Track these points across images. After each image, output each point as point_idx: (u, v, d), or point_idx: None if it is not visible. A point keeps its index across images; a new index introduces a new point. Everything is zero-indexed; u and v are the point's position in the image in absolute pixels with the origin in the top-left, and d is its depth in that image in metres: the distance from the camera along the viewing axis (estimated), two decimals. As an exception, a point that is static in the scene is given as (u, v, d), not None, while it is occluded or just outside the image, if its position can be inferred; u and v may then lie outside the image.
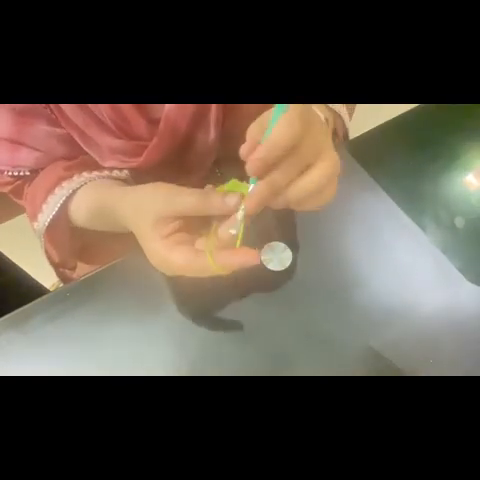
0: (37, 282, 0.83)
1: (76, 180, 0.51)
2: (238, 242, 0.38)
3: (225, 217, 0.37)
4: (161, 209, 0.38)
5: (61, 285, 0.68)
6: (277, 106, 0.33)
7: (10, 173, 0.53)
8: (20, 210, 0.57)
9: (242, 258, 0.37)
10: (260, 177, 0.34)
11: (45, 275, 0.68)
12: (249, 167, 0.33)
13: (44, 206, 0.52)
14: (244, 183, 0.37)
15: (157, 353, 0.48)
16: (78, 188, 0.51)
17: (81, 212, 0.52)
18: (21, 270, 0.80)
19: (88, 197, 0.51)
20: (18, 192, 0.56)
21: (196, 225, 0.39)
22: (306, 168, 0.34)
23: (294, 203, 0.36)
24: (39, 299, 0.51)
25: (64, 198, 0.51)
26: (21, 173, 0.54)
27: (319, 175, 0.34)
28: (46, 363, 0.48)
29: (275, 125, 0.33)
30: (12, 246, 0.81)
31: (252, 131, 0.35)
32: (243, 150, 0.34)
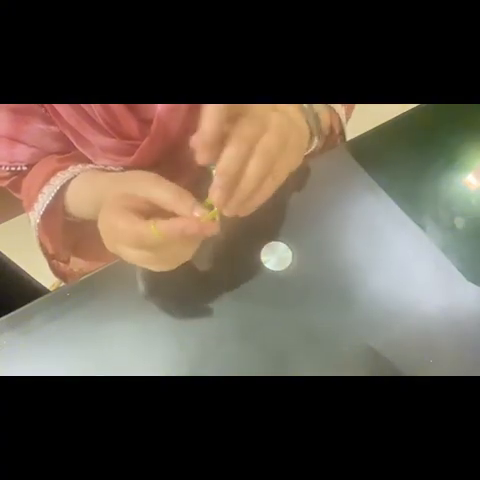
0: (37, 282, 0.83)
1: (71, 171, 0.53)
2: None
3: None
4: (134, 190, 0.39)
5: (61, 285, 0.68)
6: None
7: (7, 168, 0.54)
8: (20, 210, 0.57)
9: (182, 223, 0.36)
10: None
11: (45, 275, 0.68)
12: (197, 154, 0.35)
13: (39, 196, 0.53)
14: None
15: (157, 353, 0.48)
16: (73, 178, 0.52)
17: (76, 200, 0.54)
18: (21, 270, 0.80)
19: (83, 185, 0.53)
20: (16, 186, 0.58)
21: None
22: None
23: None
24: (39, 299, 0.51)
25: (59, 187, 0.52)
26: (18, 168, 0.55)
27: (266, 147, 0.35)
28: (46, 363, 0.48)
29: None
30: (12, 246, 0.81)
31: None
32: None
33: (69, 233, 0.60)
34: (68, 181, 0.52)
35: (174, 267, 0.41)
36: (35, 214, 0.54)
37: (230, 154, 0.35)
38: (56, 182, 0.52)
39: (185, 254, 0.41)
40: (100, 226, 0.40)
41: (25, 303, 0.50)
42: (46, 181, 0.53)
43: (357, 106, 0.65)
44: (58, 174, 0.53)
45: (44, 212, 0.53)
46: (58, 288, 0.53)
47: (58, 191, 0.52)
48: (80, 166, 0.54)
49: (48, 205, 0.52)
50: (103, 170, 0.55)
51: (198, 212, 0.37)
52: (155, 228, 0.37)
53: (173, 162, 0.56)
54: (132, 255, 0.39)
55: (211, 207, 0.37)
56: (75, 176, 0.53)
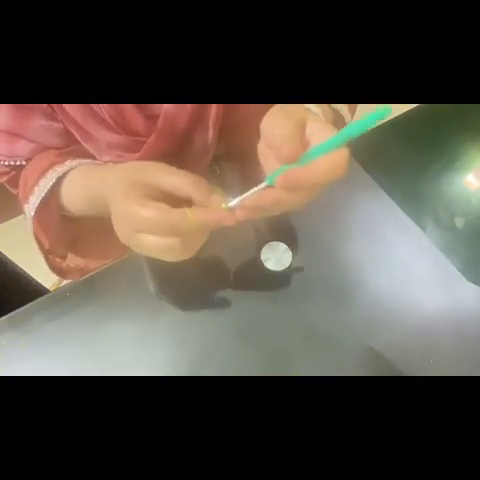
0: (37, 282, 0.83)
1: (68, 164, 0.52)
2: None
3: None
4: (145, 177, 0.37)
5: (61, 285, 0.68)
6: (334, 137, 0.33)
7: (6, 163, 0.54)
8: (20, 210, 0.57)
9: (219, 215, 0.36)
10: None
11: (45, 275, 0.68)
12: (279, 181, 0.34)
13: (36, 188, 0.53)
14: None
15: (157, 353, 0.48)
16: (69, 171, 0.52)
17: (69, 193, 0.53)
18: (21, 270, 0.80)
19: (77, 179, 0.52)
20: (14, 182, 0.58)
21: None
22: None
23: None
24: (39, 299, 0.51)
25: (55, 180, 0.52)
26: (17, 163, 0.55)
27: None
28: (46, 363, 0.48)
29: (324, 157, 0.33)
30: (12, 246, 0.81)
31: (291, 130, 0.34)
32: (285, 154, 0.34)
33: (65, 229, 0.60)
34: (64, 174, 0.52)
35: (189, 256, 0.39)
36: (30, 207, 0.54)
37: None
38: (53, 175, 0.52)
39: (202, 242, 0.40)
40: (117, 215, 0.38)
41: (25, 303, 0.51)
42: (42, 174, 0.52)
43: (357, 106, 0.65)
44: (55, 167, 0.52)
45: (39, 205, 0.53)
46: (58, 288, 0.53)
47: (54, 184, 0.52)
48: (79, 160, 0.54)
49: (43, 198, 0.52)
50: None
51: (214, 198, 0.36)
52: (193, 216, 0.36)
53: (178, 158, 0.56)
54: (156, 243, 0.37)
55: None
56: (72, 169, 0.53)
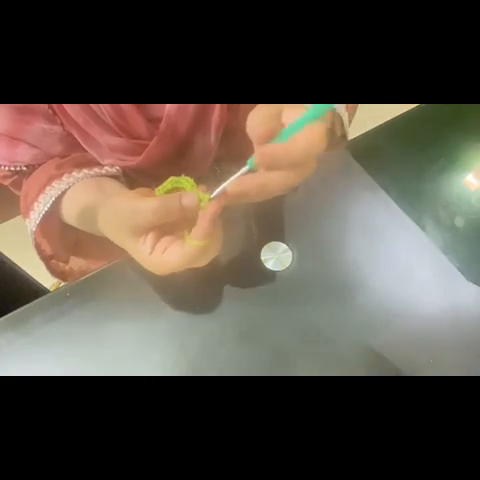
0: (37, 282, 0.83)
1: (65, 180, 0.53)
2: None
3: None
4: (130, 228, 0.40)
5: (61, 285, 0.68)
6: (310, 110, 0.33)
7: (7, 168, 0.54)
8: (20, 210, 0.57)
9: (208, 214, 0.38)
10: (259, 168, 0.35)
11: (45, 275, 0.68)
12: (257, 158, 0.34)
13: (35, 204, 0.53)
14: (183, 177, 0.39)
15: (157, 353, 0.48)
16: (68, 188, 0.52)
17: (70, 212, 0.53)
18: (21, 270, 0.80)
19: (75, 199, 0.52)
20: (17, 185, 0.58)
21: (174, 223, 0.41)
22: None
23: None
24: (39, 299, 0.51)
25: (53, 198, 0.52)
26: (18, 168, 0.55)
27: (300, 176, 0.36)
28: (46, 363, 0.48)
29: (301, 132, 0.34)
30: (12, 246, 0.81)
31: (267, 115, 0.36)
32: (259, 134, 0.35)
33: (67, 235, 0.60)
34: (63, 193, 0.52)
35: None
36: (31, 222, 0.54)
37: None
38: (52, 192, 0.52)
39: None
40: (151, 270, 0.42)
41: (25, 303, 0.50)
42: (42, 190, 0.53)
43: (357, 106, 0.65)
44: (53, 184, 0.52)
45: (41, 220, 0.53)
46: (58, 288, 0.53)
47: (53, 202, 0.52)
48: (75, 174, 0.53)
49: (44, 215, 0.53)
50: (98, 174, 0.55)
51: (188, 203, 0.38)
52: (192, 240, 0.38)
53: (180, 161, 0.56)
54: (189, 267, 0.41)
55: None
56: (70, 186, 0.53)
